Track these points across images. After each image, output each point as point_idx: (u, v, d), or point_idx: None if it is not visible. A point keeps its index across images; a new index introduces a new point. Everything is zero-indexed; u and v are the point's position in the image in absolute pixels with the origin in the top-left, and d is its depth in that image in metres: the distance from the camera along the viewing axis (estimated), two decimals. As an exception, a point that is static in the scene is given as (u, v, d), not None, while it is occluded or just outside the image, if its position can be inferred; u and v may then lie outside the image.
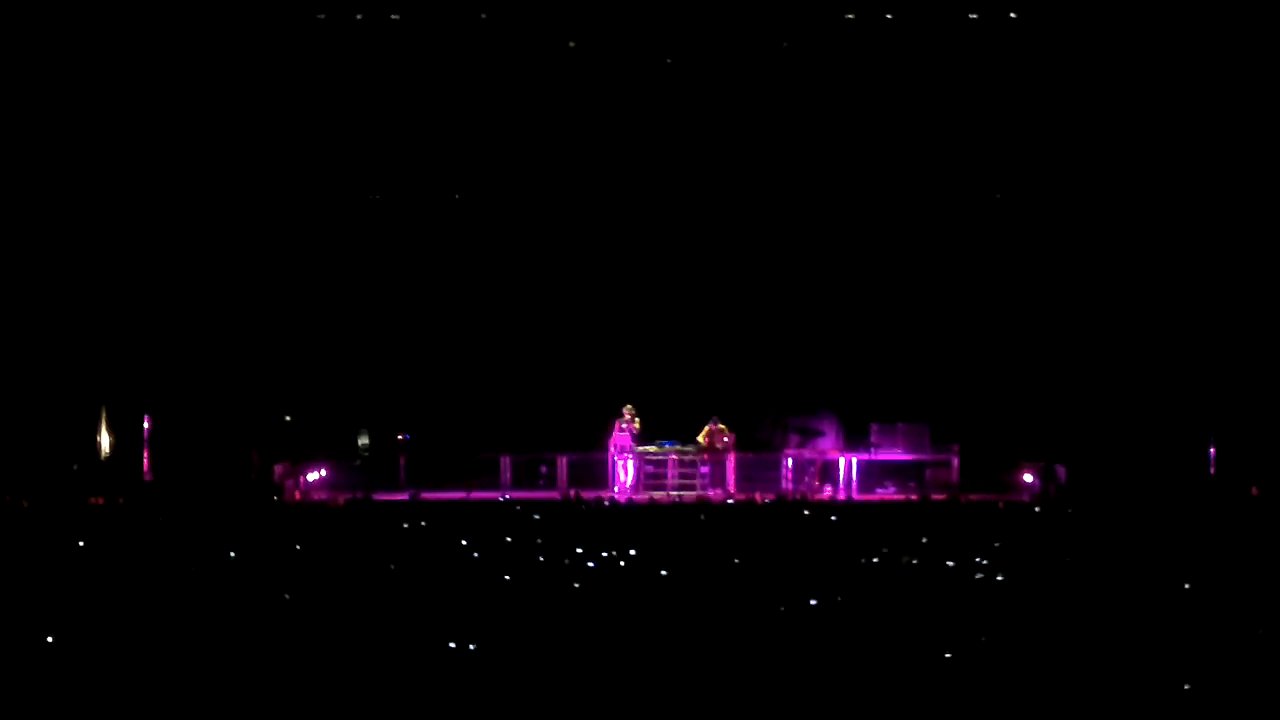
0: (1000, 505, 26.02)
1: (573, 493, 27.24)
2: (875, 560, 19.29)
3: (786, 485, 28.03)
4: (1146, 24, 28.88)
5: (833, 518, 24.12)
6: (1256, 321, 28.13)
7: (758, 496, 27.29)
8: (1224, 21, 28.45)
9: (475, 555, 19.79)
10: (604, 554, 19.42)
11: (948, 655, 13.20)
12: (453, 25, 29.21)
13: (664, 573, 17.98)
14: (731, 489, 27.83)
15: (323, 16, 29.19)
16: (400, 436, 29.33)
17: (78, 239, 28.44)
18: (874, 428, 28.48)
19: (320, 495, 27.68)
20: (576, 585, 17.25)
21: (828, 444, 28.43)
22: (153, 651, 13.01)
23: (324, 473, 28.33)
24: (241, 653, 13.05)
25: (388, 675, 12.31)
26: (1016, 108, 29.69)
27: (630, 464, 27.79)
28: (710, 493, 27.72)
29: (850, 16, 28.96)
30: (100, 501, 25.86)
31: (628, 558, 19.32)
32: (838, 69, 29.82)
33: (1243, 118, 28.58)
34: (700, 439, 28.23)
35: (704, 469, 28.17)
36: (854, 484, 27.95)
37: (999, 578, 17.77)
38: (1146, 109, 29.14)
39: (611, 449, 27.84)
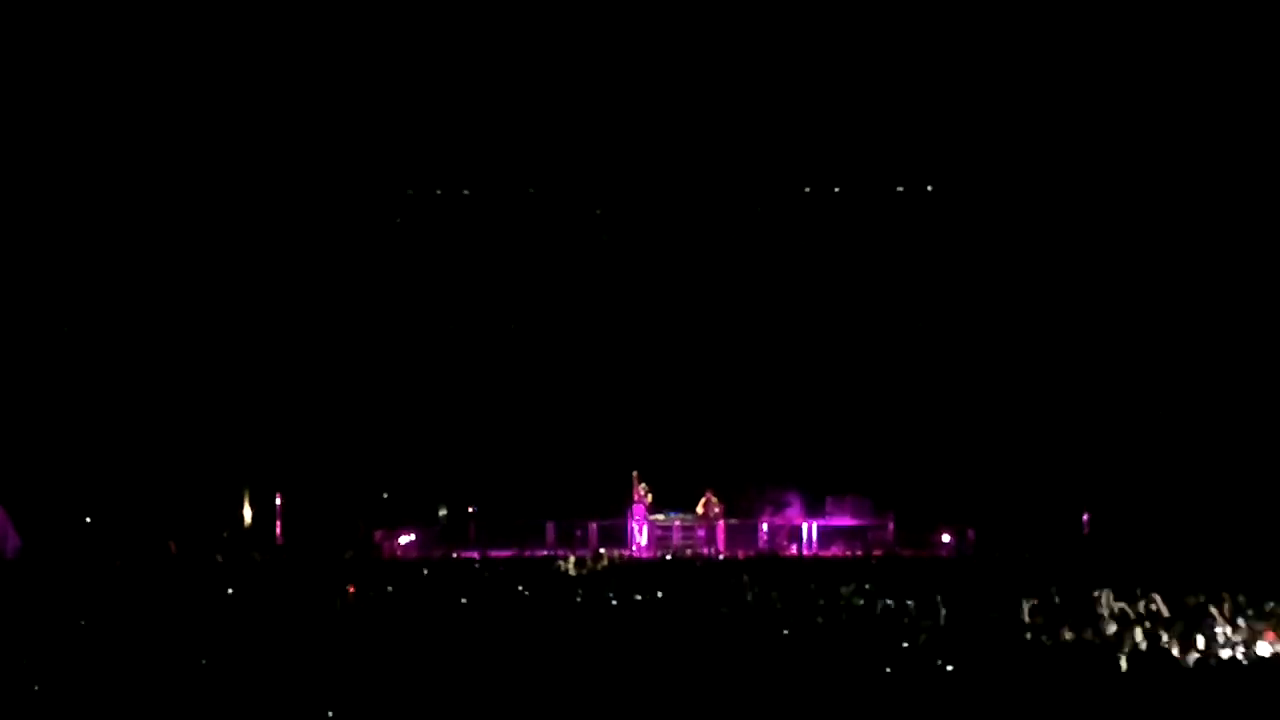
0: (925, 559, 26.03)
1: (602, 550, 27.27)
2: (831, 600, 19.28)
3: (763, 544, 27.97)
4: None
5: (798, 569, 24.13)
6: (1122, 425, 28.10)
7: (740, 553, 27.29)
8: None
9: (528, 595, 19.84)
10: (625, 595, 19.43)
11: (887, 670, 13.26)
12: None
13: (671, 609, 18.02)
14: (721, 547, 27.77)
15: None
16: (470, 508, 29.34)
17: (229, 375, 28.70)
18: (829, 500, 28.47)
19: (410, 554, 27.67)
20: (608, 613, 17.31)
21: (794, 513, 28.36)
22: (285, 664, 13.12)
23: (413, 537, 28.34)
24: (351, 666, 13.14)
25: (460, 684, 12.38)
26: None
27: (644, 528, 27.78)
28: (704, 550, 27.68)
29: None
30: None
31: (643, 598, 19.32)
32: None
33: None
34: (698, 509, 28.23)
35: (700, 532, 28.13)
36: (814, 543, 27.91)
37: (923, 612, 17.78)
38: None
39: (630, 517, 27.84)
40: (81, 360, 28.35)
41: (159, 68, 27.20)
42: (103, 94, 27.27)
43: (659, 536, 27.89)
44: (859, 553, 26.96)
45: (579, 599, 19.28)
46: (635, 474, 27.65)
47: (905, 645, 14.68)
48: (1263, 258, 27.48)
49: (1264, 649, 13.55)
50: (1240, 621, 14.34)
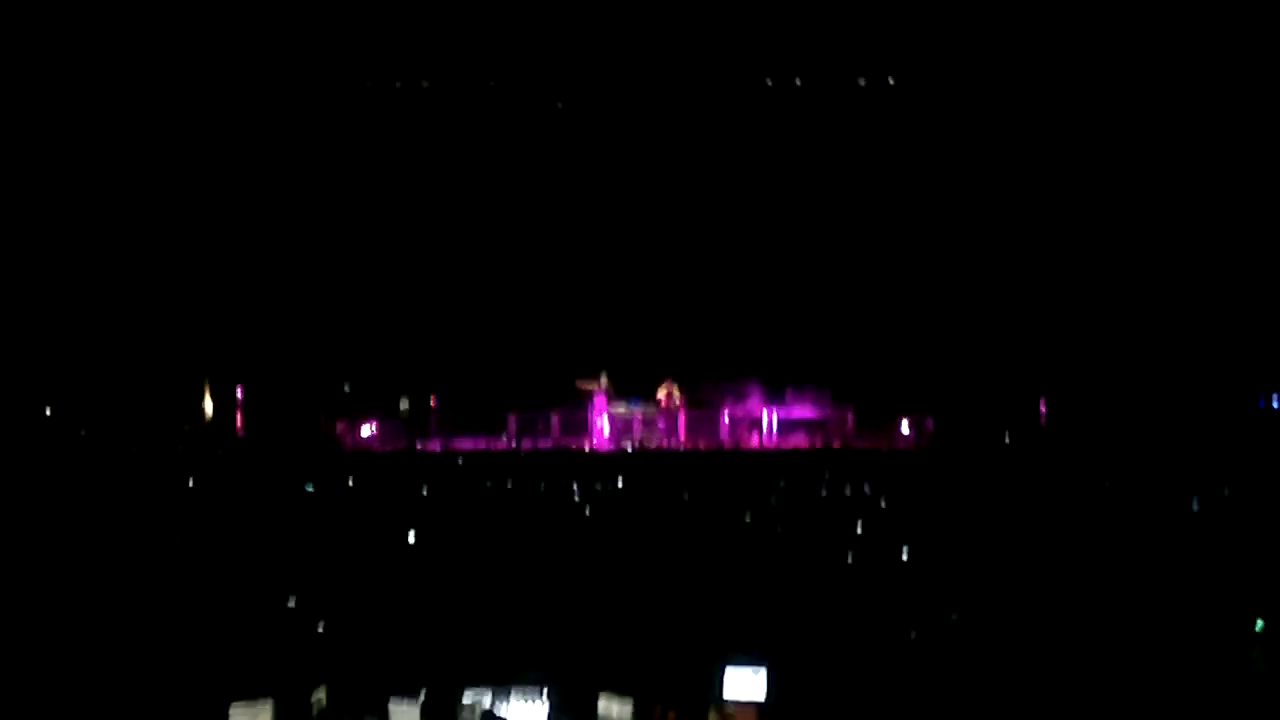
0: (884, 449, 26.19)
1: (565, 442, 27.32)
2: (792, 488, 19.39)
3: (724, 436, 28.03)
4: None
5: (759, 458, 24.26)
6: (1080, 313, 28.24)
7: (702, 444, 27.36)
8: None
9: (490, 485, 19.89)
10: (587, 486, 19.49)
11: (849, 559, 13.36)
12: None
13: (632, 500, 18.09)
14: (682, 439, 27.82)
15: None
16: (431, 399, 29.24)
17: (198, 268, 28.54)
18: (789, 390, 28.52)
19: (371, 445, 27.66)
20: (570, 508, 17.35)
21: (754, 403, 28.40)
22: (248, 557, 13.12)
23: (374, 428, 28.30)
24: (315, 559, 13.15)
25: (424, 573, 12.40)
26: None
27: (605, 419, 27.79)
28: (665, 442, 27.72)
29: None
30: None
31: (605, 490, 19.38)
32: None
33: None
34: (658, 398, 28.23)
35: (661, 423, 28.16)
36: (774, 434, 28.00)
37: (883, 501, 17.93)
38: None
39: (591, 408, 27.83)
40: (42, 253, 28.04)
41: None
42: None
43: (620, 428, 27.92)
44: (818, 444, 27.08)
45: (541, 490, 19.35)
46: (602, 374, 27.62)
47: (860, 534, 14.81)
48: (1229, 130, 27.53)
49: None
50: None
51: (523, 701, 8.06)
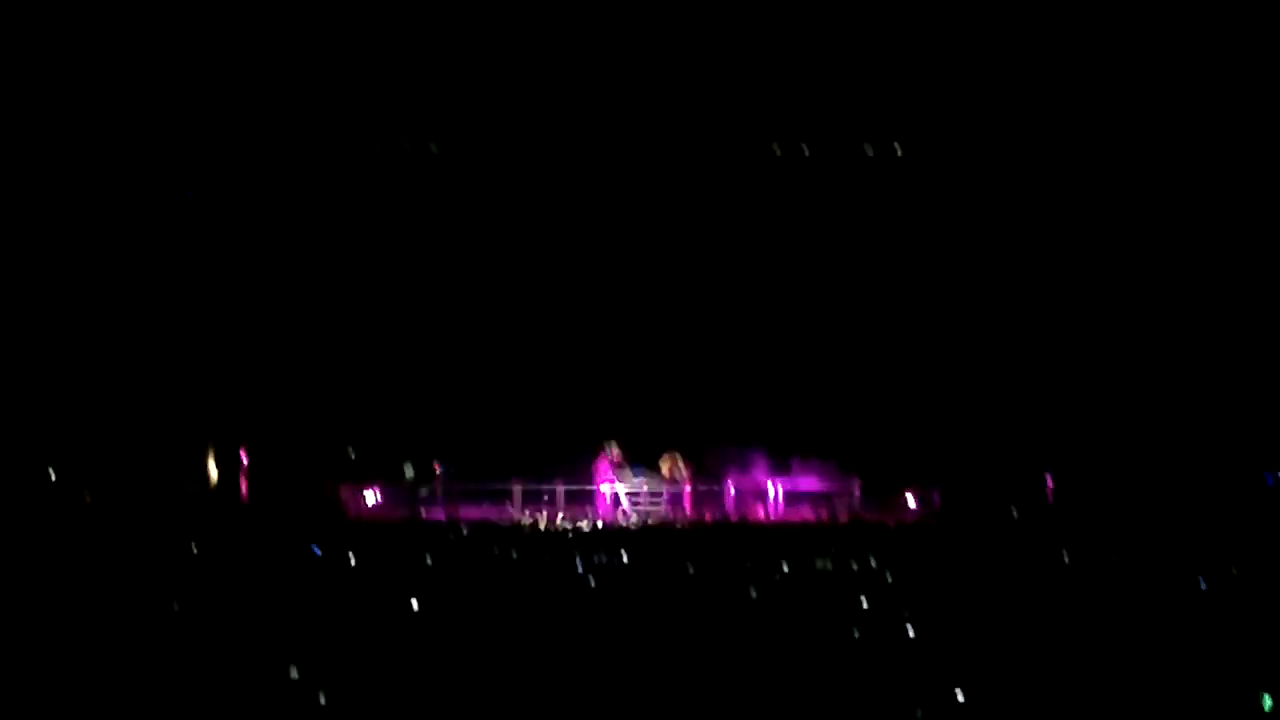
0: (891, 523, 26.09)
1: (569, 514, 27.22)
2: (797, 563, 19.30)
3: (729, 508, 27.96)
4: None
5: (765, 532, 24.14)
6: (1088, 385, 28.23)
7: (707, 516, 27.27)
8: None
9: (496, 553, 19.82)
10: (591, 559, 19.41)
11: (856, 635, 13.29)
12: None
13: (636, 574, 18.01)
14: (688, 511, 27.74)
15: None
16: (437, 467, 29.19)
17: (198, 335, 28.57)
18: (794, 462, 28.49)
19: (376, 513, 27.57)
20: (574, 580, 17.27)
21: (760, 475, 28.34)
22: (252, 622, 13.07)
23: (379, 496, 28.23)
24: (317, 628, 13.10)
25: (426, 651, 12.34)
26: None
27: (610, 491, 27.72)
28: (670, 513, 27.64)
29: None
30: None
31: (608, 564, 19.30)
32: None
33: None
34: (664, 471, 28.16)
35: (667, 494, 28.10)
36: (780, 506, 27.93)
37: (889, 576, 17.83)
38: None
39: (597, 479, 27.77)
40: (41, 314, 28.12)
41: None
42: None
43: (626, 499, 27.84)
44: (824, 517, 26.99)
45: (546, 560, 19.28)
46: (611, 442, 27.57)
47: (866, 608, 14.74)
48: (1230, 205, 27.64)
49: None
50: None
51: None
